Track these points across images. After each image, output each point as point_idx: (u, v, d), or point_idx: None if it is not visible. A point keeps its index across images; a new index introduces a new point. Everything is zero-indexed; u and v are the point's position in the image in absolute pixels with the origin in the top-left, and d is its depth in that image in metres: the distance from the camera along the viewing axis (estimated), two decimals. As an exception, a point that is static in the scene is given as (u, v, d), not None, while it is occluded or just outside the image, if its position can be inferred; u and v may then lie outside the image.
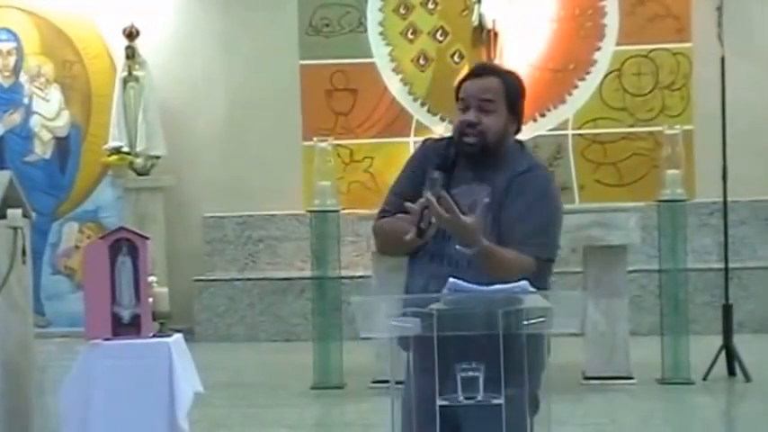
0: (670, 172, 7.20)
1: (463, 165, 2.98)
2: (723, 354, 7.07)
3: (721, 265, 7.67)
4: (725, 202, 7.44)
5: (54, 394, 4.53)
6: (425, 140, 3.14)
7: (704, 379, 6.96)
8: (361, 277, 8.70)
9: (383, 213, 3.05)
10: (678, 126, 7.61)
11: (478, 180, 2.96)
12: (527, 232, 2.89)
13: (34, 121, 10.17)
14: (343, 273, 7.88)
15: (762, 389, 6.81)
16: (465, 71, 3.21)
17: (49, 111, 10.17)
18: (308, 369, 7.26)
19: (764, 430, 5.95)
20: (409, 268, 3.03)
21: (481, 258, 2.82)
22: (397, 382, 2.81)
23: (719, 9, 7.40)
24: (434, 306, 2.59)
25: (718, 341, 7.13)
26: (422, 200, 2.79)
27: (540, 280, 2.85)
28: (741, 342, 7.24)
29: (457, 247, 2.82)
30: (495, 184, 2.93)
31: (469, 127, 2.94)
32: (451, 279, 2.67)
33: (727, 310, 7.25)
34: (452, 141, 3.01)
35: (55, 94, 10.16)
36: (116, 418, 4.14)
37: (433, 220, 2.78)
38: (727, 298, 7.37)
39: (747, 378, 6.95)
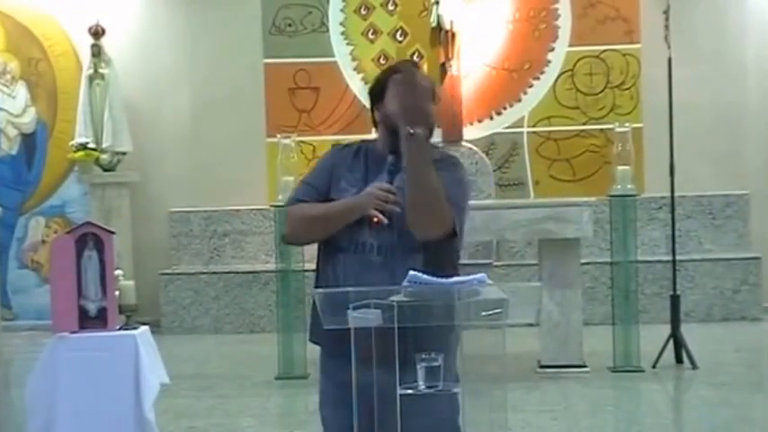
0: (620, 168, 7.29)
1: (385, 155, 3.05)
2: (671, 342, 7.23)
3: (669, 258, 7.82)
4: (672, 197, 7.57)
5: (21, 387, 4.53)
6: (333, 146, 3.22)
7: (653, 367, 7.10)
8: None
9: (298, 202, 3.09)
10: (628, 124, 7.72)
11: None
12: (451, 198, 2.97)
13: (0, 118, 10.14)
14: (307, 266, 7.82)
15: (707, 375, 6.97)
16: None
17: (15, 107, 10.16)
18: (272, 360, 7.35)
19: (710, 415, 6.05)
20: (333, 258, 3.03)
21: (423, 172, 2.88)
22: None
23: (666, 12, 7.52)
24: (395, 298, 2.64)
25: (666, 330, 7.28)
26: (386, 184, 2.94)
27: (446, 253, 2.97)
28: (688, 331, 7.40)
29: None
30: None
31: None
32: (411, 272, 2.71)
33: (674, 301, 7.39)
34: (360, 146, 3.12)
35: (21, 90, 10.14)
36: (83, 410, 4.13)
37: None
38: (674, 289, 7.52)
39: (694, 365, 7.13)
